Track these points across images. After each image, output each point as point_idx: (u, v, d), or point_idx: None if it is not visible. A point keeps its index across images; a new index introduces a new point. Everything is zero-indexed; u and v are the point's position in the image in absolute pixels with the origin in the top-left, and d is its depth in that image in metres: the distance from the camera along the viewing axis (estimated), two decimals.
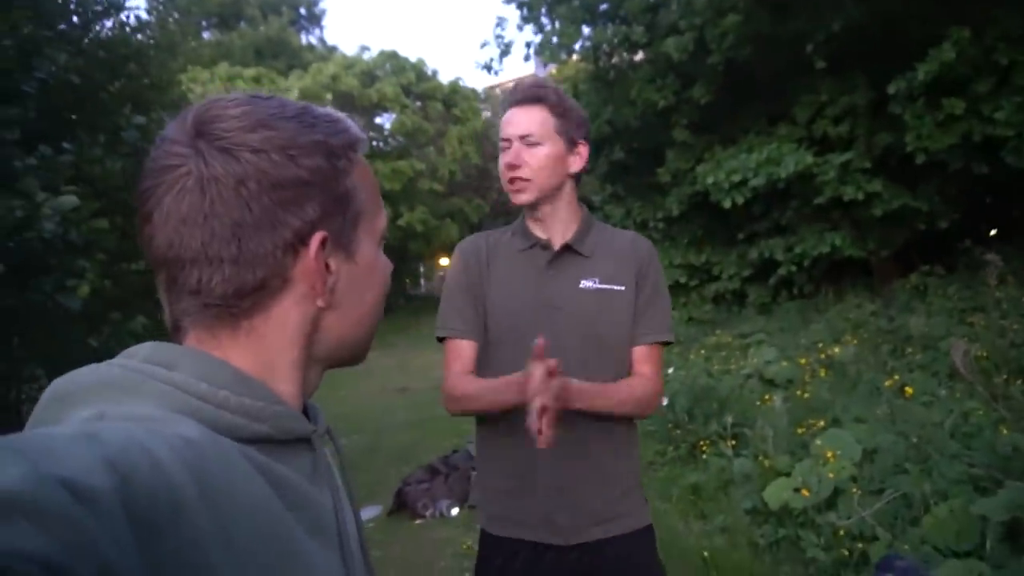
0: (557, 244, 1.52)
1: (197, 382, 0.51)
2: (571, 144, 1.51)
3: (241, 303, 0.56)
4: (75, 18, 4.68)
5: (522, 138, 1.46)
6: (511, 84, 1.57)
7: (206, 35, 25.34)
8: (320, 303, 0.59)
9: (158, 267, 0.56)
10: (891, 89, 6.83)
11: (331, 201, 0.58)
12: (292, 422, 0.57)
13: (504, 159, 1.49)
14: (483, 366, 1.51)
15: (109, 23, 5.44)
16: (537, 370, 1.21)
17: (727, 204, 8.17)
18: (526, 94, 1.48)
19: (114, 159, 4.34)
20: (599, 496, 1.49)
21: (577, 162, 1.53)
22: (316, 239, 0.56)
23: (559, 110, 1.48)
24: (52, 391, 0.49)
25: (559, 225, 1.53)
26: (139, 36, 6.24)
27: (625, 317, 1.50)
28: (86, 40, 4.78)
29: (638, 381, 1.50)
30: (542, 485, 1.47)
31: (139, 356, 0.52)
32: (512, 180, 1.48)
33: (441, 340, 1.55)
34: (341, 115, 0.62)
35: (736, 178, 7.92)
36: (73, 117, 4.28)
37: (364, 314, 0.65)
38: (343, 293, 0.61)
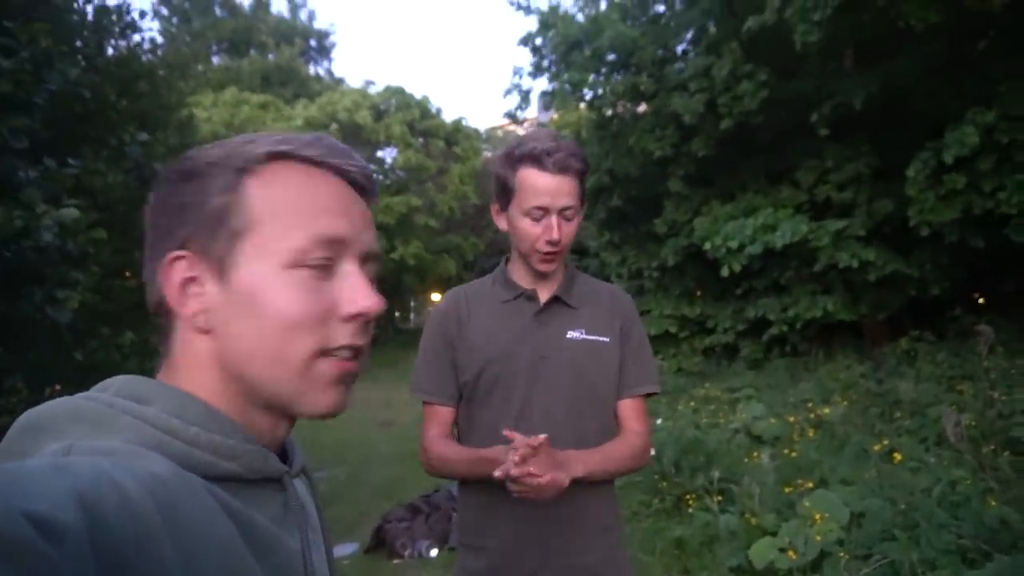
0: (544, 294, 1.51)
1: (168, 417, 0.51)
2: (582, 205, 1.50)
3: (159, 321, 0.59)
4: (90, 35, 4.74)
5: (562, 211, 1.41)
6: (512, 127, 1.56)
7: (216, 60, 25.74)
8: (198, 325, 0.57)
9: None
10: (910, 172, 6.96)
11: (202, 219, 0.56)
12: (261, 461, 0.56)
13: (539, 230, 1.41)
14: (473, 418, 1.51)
15: (123, 43, 5.53)
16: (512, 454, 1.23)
17: (725, 272, 8.26)
18: (568, 166, 1.40)
19: (116, 173, 4.36)
20: (587, 551, 1.47)
21: (580, 218, 1.52)
22: (170, 257, 0.57)
23: (583, 177, 1.45)
24: (23, 422, 0.49)
25: (549, 278, 1.52)
26: (151, 57, 6.33)
27: (611, 368, 1.50)
28: (99, 57, 4.85)
29: (633, 438, 1.50)
30: (529, 541, 1.43)
31: (112, 389, 0.52)
32: (546, 253, 1.43)
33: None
34: (268, 134, 0.60)
35: (733, 244, 8.03)
36: (79, 131, 4.30)
37: (255, 348, 0.56)
38: (221, 318, 0.56)
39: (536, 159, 1.40)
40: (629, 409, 1.52)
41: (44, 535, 0.33)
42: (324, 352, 0.57)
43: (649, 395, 1.55)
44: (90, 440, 0.47)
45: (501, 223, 1.51)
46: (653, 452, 5.02)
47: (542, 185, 1.39)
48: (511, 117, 11.17)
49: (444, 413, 1.52)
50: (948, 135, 6.59)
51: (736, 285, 9.42)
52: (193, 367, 0.57)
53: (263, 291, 0.56)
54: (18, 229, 2.82)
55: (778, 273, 8.76)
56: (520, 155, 1.42)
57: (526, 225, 1.43)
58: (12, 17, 3.05)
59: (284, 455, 0.64)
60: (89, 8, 4.66)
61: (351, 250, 0.59)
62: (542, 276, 1.51)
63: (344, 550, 4.50)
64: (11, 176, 3.01)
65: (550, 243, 1.41)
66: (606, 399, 1.50)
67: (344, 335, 0.58)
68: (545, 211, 1.40)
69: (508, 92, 11.14)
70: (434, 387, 1.52)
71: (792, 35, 7.06)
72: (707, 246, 8.38)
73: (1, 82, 2.84)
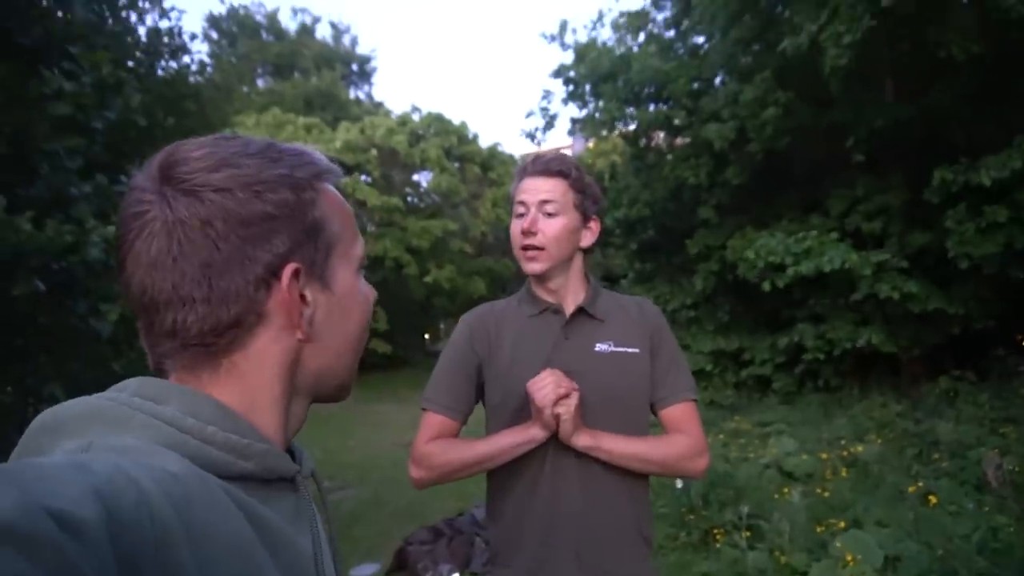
0: (569, 308, 1.52)
1: (184, 417, 0.51)
2: (585, 219, 1.52)
3: (219, 341, 0.56)
4: (143, 56, 4.94)
5: (541, 205, 1.46)
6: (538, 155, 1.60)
7: (260, 82, 26.47)
8: (299, 335, 0.58)
9: (137, 312, 0.57)
10: (936, 177, 6.80)
11: (300, 232, 0.58)
12: (276, 461, 0.56)
13: (520, 224, 1.48)
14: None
15: (173, 63, 5.74)
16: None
17: (767, 287, 8.07)
18: (548, 167, 1.48)
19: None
20: (623, 560, 1.45)
21: (588, 237, 1.54)
22: (288, 271, 0.56)
23: (578, 185, 1.49)
24: (41, 421, 0.49)
25: (569, 293, 1.53)
26: (199, 78, 6.56)
27: (642, 380, 1.49)
28: (151, 77, 5.04)
29: (679, 438, 1.48)
30: (565, 549, 1.43)
31: (129, 389, 0.53)
32: (526, 247, 1.47)
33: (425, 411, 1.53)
34: (307, 148, 0.63)
35: (775, 260, 7.85)
36: (129, 149, 4.46)
37: (346, 343, 0.64)
38: (322, 324, 0.60)
39: (524, 168, 1.53)
40: (677, 415, 1.49)
41: (64, 530, 0.33)
42: None
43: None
44: (107, 438, 0.47)
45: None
46: (680, 484, 4.94)
47: (525, 185, 1.50)
48: (530, 137, 11.15)
49: (449, 428, 1.50)
50: (990, 159, 6.44)
51: (773, 314, 9.22)
52: (257, 378, 0.58)
53: (355, 293, 0.65)
54: (68, 244, 2.93)
55: (814, 302, 8.58)
56: (516, 171, 1.56)
57: (512, 226, 1.52)
58: (75, 42, 3.19)
59: (292, 457, 0.64)
60: (142, 30, 4.86)
61: None
62: (554, 287, 1.52)
63: (366, 571, 4.50)
64: (64, 192, 3.13)
65: (524, 233, 1.46)
66: (637, 411, 1.49)
67: None
68: (525, 207, 1.48)
69: (530, 114, 11.18)
70: (447, 400, 1.50)
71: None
72: (741, 267, 8.23)
73: (61, 104, 2.97)
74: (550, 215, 1.46)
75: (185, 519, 0.42)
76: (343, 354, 0.64)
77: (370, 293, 0.68)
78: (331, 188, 0.63)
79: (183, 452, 0.49)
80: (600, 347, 1.48)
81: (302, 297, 0.58)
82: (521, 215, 1.48)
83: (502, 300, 1.64)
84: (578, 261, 1.54)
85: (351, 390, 0.68)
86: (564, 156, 1.54)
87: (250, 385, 0.57)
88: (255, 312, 0.56)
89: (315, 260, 0.59)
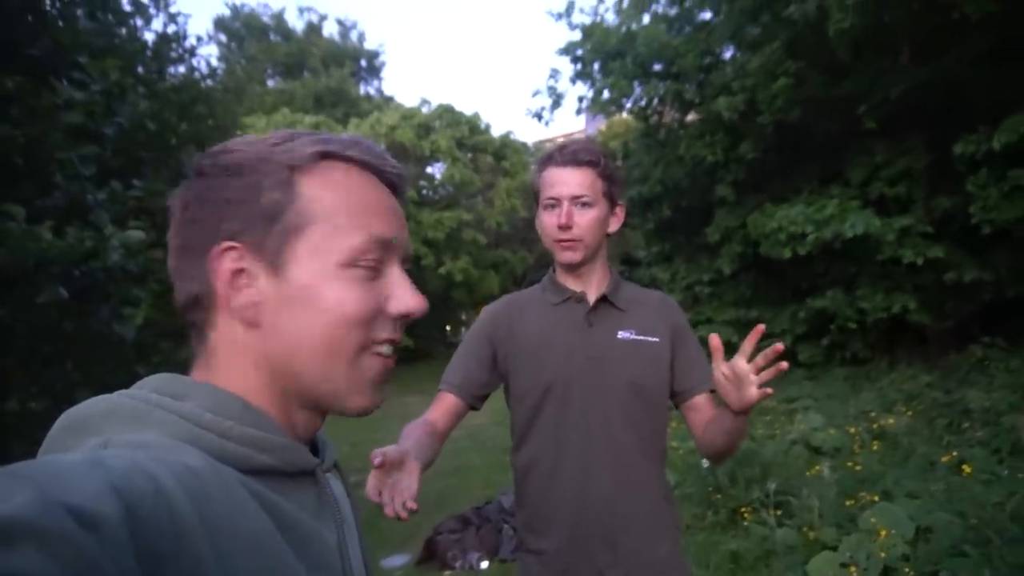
0: (592, 297, 1.54)
1: (203, 412, 0.51)
2: (612, 206, 1.55)
3: (191, 316, 0.59)
4: (151, 62, 4.98)
5: (574, 199, 1.48)
6: (560, 139, 1.61)
7: (271, 83, 26.58)
8: (247, 318, 0.57)
9: None
10: (957, 149, 6.68)
11: (254, 214, 0.56)
12: (295, 454, 0.56)
13: (554, 219, 1.49)
14: (533, 420, 1.51)
15: (182, 68, 5.78)
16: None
17: (788, 254, 7.91)
18: (577, 157, 1.50)
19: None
20: (653, 548, 1.47)
21: (615, 223, 1.57)
22: (221, 247, 0.56)
23: (606, 173, 1.52)
24: (63, 421, 0.50)
25: (594, 280, 1.56)
26: (209, 81, 6.60)
27: (662, 368, 1.52)
28: (159, 84, 5.08)
29: None
30: (595, 538, 1.44)
31: (149, 386, 0.53)
32: (561, 240, 1.50)
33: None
34: (303, 132, 0.61)
35: (795, 229, 7.72)
36: (143, 155, 4.51)
37: (315, 341, 0.56)
38: (274, 313, 0.56)
39: (550, 157, 1.53)
40: (709, 402, 1.54)
41: (83, 526, 0.33)
42: (369, 346, 0.59)
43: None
44: (126, 435, 0.48)
45: (539, 228, 1.59)
46: (706, 463, 4.92)
47: (555, 177, 1.50)
48: (537, 117, 11.13)
49: (453, 404, 1.52)
50: (1005, 122, 6.29)
51: (796, 287, 9.07)
52: (233, 362, 0.58)
53: (321, 288, 0.56)
54: (88, 250, 2.97)
55: (840, 271, 8.43)
56: (540, 160, 1.57)
57: (544, 217, 1.53)
58: (83, 52, 3.22)
59: (315, 451, 0.64)
60: (149, 36, 4.90)
61: (397, 251, 0.62)
62: (581, 275, 1.54)
63: (396, 561, 4.54)
64: (81, 200, 3.17)
65: (560, 228, 1.48)
66: (658, 399, 1.52)
67: (386, 330, 0.60)
68: (557, 200, 1.49)
69: (537, 92, 11.11)
70: (455, 378, 1.54)
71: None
72: (764, 244, 8.11)
73: (73, 113, 3.00)
74: (584, 205, 1.48)
75: (203, 513, 0.42)
76: (303, 352, 0.56)
77: (346, 299, 0.57)
78: (338, 172, 0.59)
79: (201, 447, 0.50)
80: (622, 335, 1.52)
81: (241, 278, 0.57)
82: (552, 206, 1.50)
83: (525, 290, 1.67)
84: (604, 246, 1.58)
85: (366, 406, 0.60)
86: (590, 144, 1.56)
87: (230, 368, 0.58)
88: (209, 291, 0.58)
89: (265, 242, 0.56)
